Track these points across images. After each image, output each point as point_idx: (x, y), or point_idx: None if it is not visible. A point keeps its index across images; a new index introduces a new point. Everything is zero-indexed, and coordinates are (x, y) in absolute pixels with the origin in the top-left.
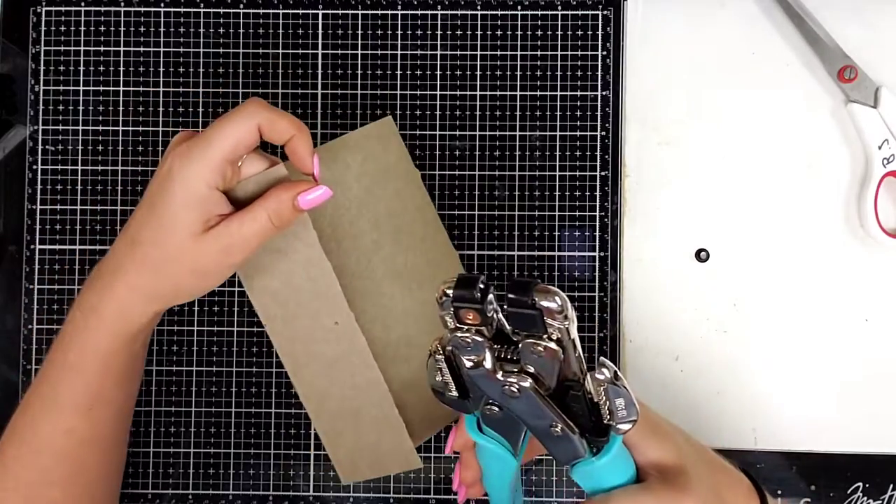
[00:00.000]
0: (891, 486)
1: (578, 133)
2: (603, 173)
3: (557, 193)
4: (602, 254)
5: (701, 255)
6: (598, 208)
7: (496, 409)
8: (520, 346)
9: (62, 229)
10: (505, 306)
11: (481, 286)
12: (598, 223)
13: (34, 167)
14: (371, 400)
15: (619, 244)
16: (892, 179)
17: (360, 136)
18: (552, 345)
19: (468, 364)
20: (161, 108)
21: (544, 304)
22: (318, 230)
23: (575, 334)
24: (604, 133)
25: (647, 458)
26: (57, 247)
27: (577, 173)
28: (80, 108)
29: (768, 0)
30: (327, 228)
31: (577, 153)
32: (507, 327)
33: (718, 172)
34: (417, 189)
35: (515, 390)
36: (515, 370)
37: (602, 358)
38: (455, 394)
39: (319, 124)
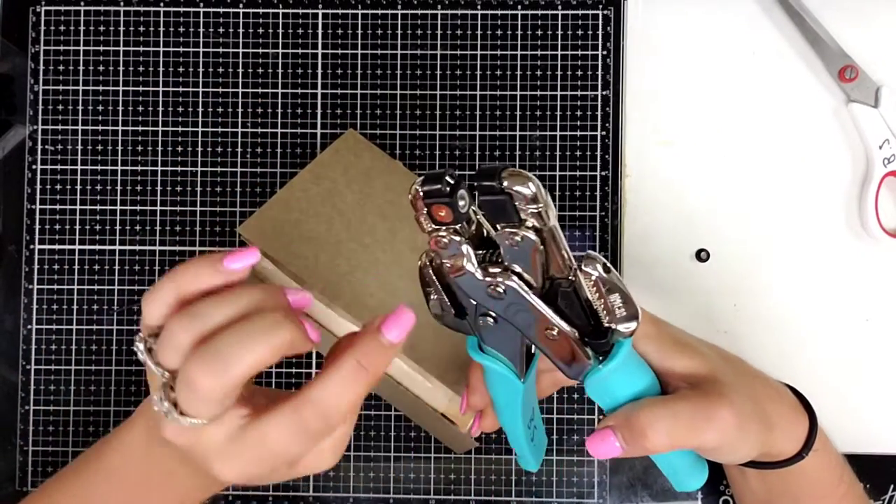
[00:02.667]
0: (891, 486)
1: (578, 133)
2: (603, 173)
3: (557, 193)
4: (602, 254)
5: (701, 255)
6: (598, 208)
7: (490, 319)
8: (496, 238)
9: (61, 229)
10: (477, 196)
11: (449, 179)
12: (598, 223)
13: (33, 167)
14: (400, 374)
15: (619, 244)
16: (892, 179)
17: (331, 154)
18: (530, 234)
19: (448, 266)
20: (160, 108)
21: (515, 188)
22: (336, 237)
23: (554, 222)
24: (604, 133)
25: (674, 372)
26: (56, 246)
27: (577, 173)
28: (80, 107)
29: (769, 0)
30: (343, 233)
31: (577, 153)
32: (491, 231)
33: (718, 172)
34: (405, 175)
35: (501, 290)
36: (499, 270)
37: (590, 251)
38: (451, 311)
39: (319, 124)
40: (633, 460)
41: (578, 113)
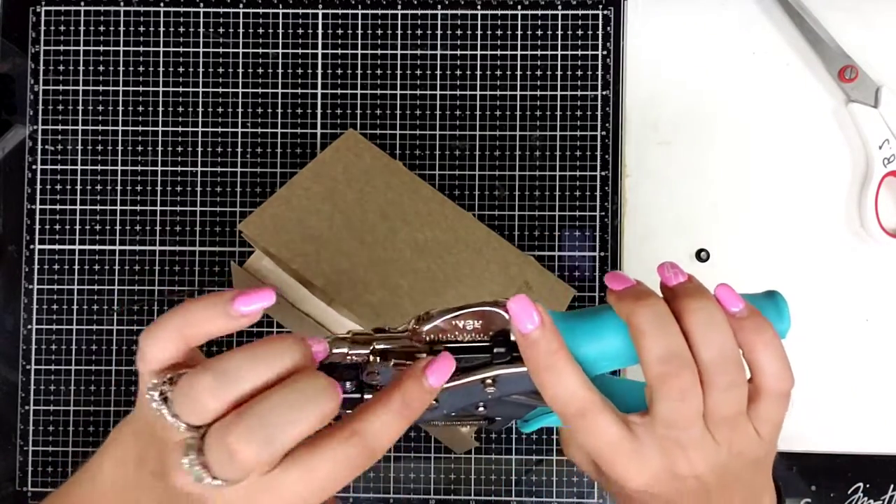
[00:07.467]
0: (891, 486)
1: (578, 133)
2: (603, 173)
3: (557, 193)
4: (602, 254)
5: (701, 255)
6: (598, 208)
7: (489, 399)
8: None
9: (61, 229)
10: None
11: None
12: (598, 223)
13: (33, 167)
14: None
15: (619, 244)
16: (892, 179)
17: (331, 153)
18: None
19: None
20: (160, 108)
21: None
22: (337, 235)
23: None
24: (604, 133)
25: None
26: (56, 247)
27: (577, 173)
28: (80, 107)
29: (769, 0)
30: (343, 231)
31: (577, 153)
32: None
33: (718, 172)
34: (405, 176)
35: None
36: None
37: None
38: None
39: (319, 124)
40: None
41: (578, 113)
